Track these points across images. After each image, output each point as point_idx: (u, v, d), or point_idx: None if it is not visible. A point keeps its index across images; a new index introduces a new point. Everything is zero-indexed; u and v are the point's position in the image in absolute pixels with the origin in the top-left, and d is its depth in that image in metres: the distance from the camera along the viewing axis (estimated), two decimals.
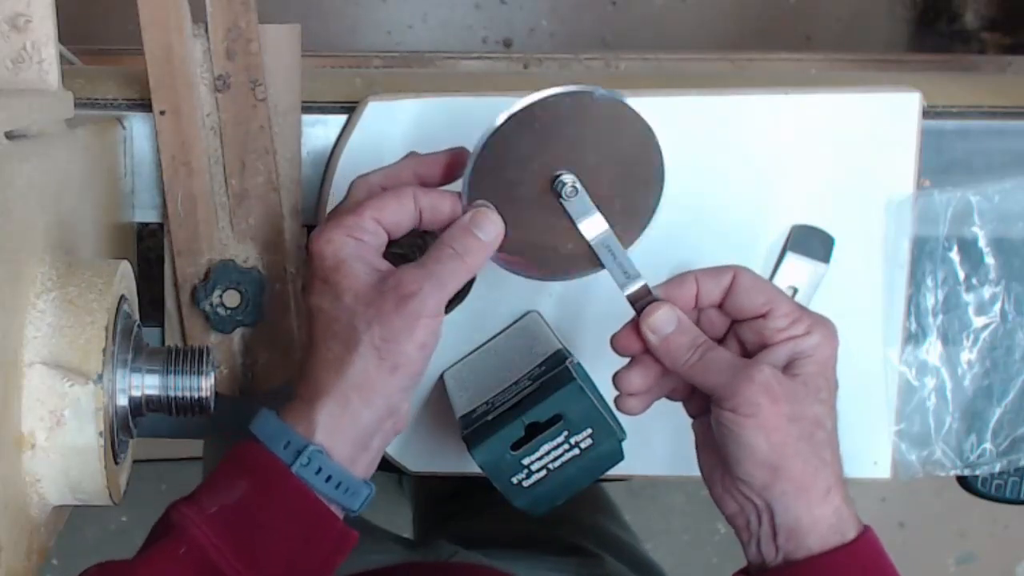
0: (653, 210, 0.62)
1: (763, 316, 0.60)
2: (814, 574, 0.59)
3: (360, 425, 0.58)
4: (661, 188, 0.62)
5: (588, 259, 0.62)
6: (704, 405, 0.63)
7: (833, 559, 0.59)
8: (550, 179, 0.60)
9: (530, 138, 0.59)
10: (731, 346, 0.62)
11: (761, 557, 0.61)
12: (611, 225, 0.61)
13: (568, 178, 0.60)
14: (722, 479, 0.61)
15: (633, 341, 0.61)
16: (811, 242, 0.71)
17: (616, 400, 0.63)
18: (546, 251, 0.62)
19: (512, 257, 0.61)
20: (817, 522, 0.59)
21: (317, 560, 0.58)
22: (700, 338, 0.60)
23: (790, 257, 0.71)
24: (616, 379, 0.62)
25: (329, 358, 0.58)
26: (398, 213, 0.59)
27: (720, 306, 0.62)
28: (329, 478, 0.57)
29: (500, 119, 0.58)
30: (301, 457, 0.57)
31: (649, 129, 0.60)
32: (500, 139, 0.59)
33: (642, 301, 0.61)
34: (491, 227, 0.59)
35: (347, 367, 0.58)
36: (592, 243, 0.61)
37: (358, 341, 0.57)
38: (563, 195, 0.60)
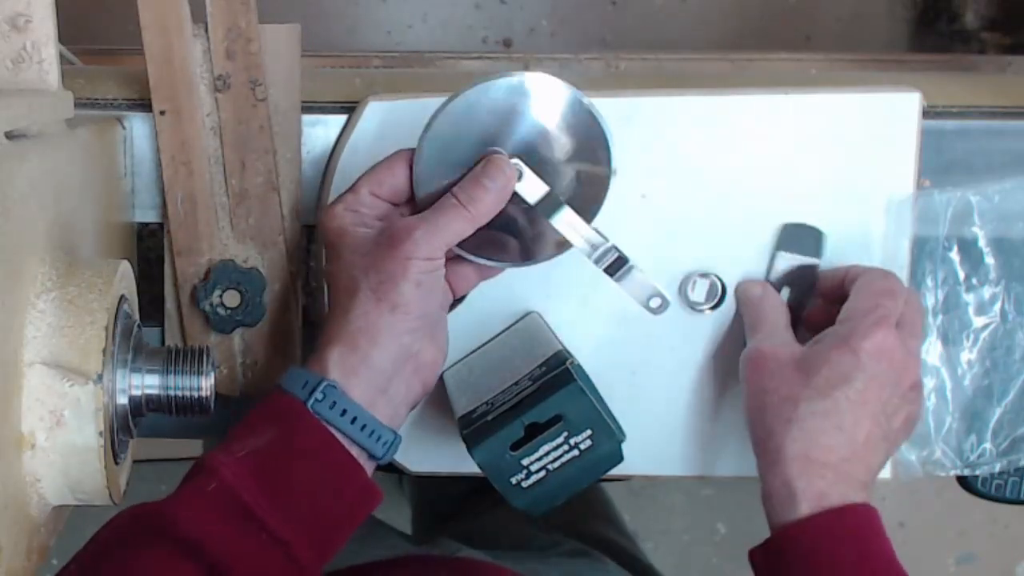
0: (607, 176, 0.63)
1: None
2: (813, 530, 0.62)
3: (373, 366, 0.60)
4: (608, 150, 0.63)
5: (554, 239, 0.64)
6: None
7: (828, 517, 0.61)
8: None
9: (466, 130, 0.62)
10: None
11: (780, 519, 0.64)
12: (568, 200, 0.63)
13: (516, 161, 0.62)
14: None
15: None
16: (801, 239, 0.71)
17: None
18: (509, 238, 0.64)
19: (477, 250, 0.64)
20: (770, 493, 0.63)
21: (342, 507, 0.59)
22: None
23: (781, 256, 0.71)
24: None
25: (336, 311, 0.62)
26: (392, 179, 0.63)
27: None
28: (344, 412, 0.59)
29: (428, 119, 0.62)
30: (316, 392, 0.59)
31: (580, 99, 0.62)
32: (435, 136, 0.62)
33: (615, 266, 0.63)
34: (499, 175, 0.61)
35: (349, 312, 0.61)
36: (551, 221, 0.62)
37: (357, 288, 0.61)
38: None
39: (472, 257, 0.64)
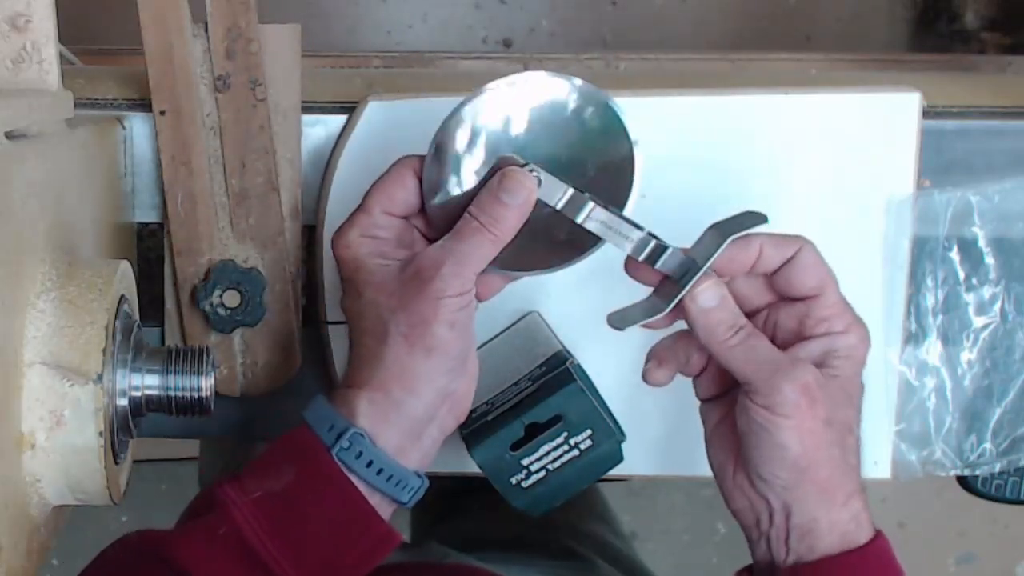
0: (630, 151, 0.60)
1: (809, 299, 0.58)
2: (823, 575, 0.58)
3: (407, 414, 0.58)
4: (623, 125, 0.60)
5: (584, 239, 0.60)
6: (716, 388, 0.62)
7: (844, 561, 0.58)
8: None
9: (476, 137, 0.59)
10: (758, 324, 0.60)
11: (770, 556, 0.60)
12: (595, 192, 0.59)
13: (530, 166, 0.59)
14: (735, 474, 0.60)
15: (649, 274, 0.59)
16: (739, 223, 0.62)
17: (644, 372, 0.62)
18: (538, 245, 0.60)
19: (506, 264, 0.60)
20: (834, 526, 0.58)
21: (355, 555, 0.58)
22: (742, 320, 0.58)
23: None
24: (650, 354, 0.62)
25: (364, 354, 0.59)
26: (404, 193, 0.59)
27: (771, 278, 0.60)
28: (370, 463, 0.57)
29: (438, 130, 0.59)
30: (342, 440, 0.56)
31: (602, 97, 0.60)
32: (445, 146, 0.59)
33: (657, 252, 0.59)
34: (519, 189, 0.57)
35: (381, 359, 0.57)
36: (579, 220, 0.59)
37: (386, 332, 0.57)
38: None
39: (503, 271, 0.60)
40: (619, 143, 0.60)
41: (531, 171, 0.58)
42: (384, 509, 0.58)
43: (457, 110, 0.59)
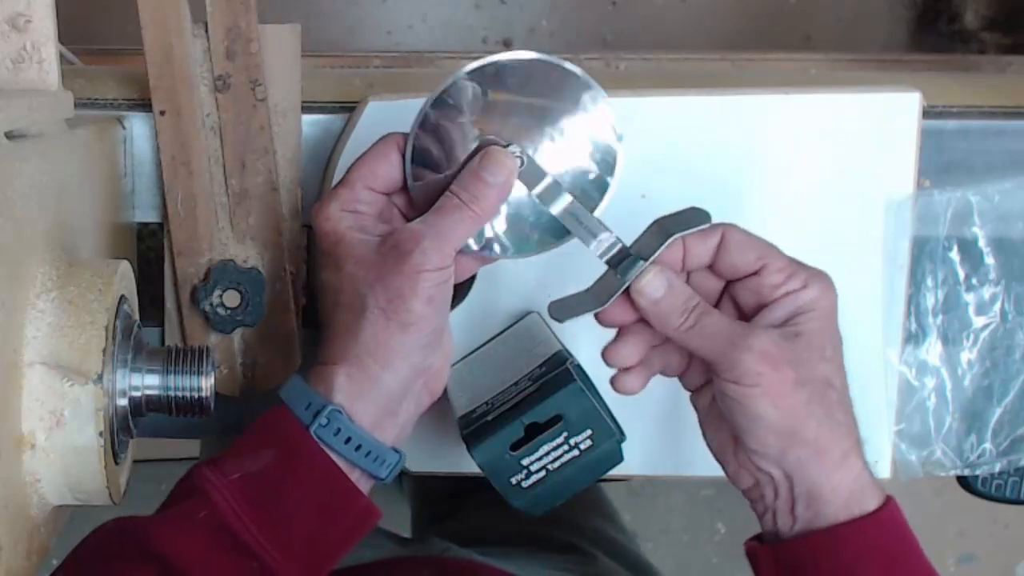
0: (614, 152, 0.61)
1: (757, 273, 0.58)
2: (836, 543, 0.58)
3: (383, 389, 0.58)
4: (616, 139, 0.60)
5: (552, 229, 0.61)
6: (702, 376, 0.62)
7: (856, 528, 0.57)
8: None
9: (459, 117, 0.59)
10: (727, 310, 0.61)
11: (776, 528, 0.60)
12: (572, 188, 0.60)
13: (515, 148, 0.59)
14: (735, 454, 0.60)
15: (622, 312, 0.60)
16: (684, 219, 0.62)
17: (612, 380, 0.62)
18: (513, 229, 0.61)
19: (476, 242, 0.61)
20: (837, 489, 0.58)
21: (338, 534, 0.58)
22: (693, 300, 0.58)
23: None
24: (606, 354, 0.61)
25: (339, 329, 0.59)
26: (388, 168, 0.60)
27: (712, 268, 0.60)
28: (349, 440, 0.57)
29: (421, 109, 0.59)
30: (320, 417, 0.56)
31: (588, 82, 0.59)
32: (429, 125, 0.59)
33: (617, 257, 0.59)
34: (500, 169, 0.58)
35: (358, 333, 0.57)
36: (552, 210, 0.60)
37: (364, 306, 0.57)
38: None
39: (478, 253, 0.61)
40: (604, 137, 0.60)
41: (514, 153, 0.59)
42: (363, 485, 0.59)
43: (442, 90, 0.59)
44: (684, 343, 0.58)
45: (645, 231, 0.60)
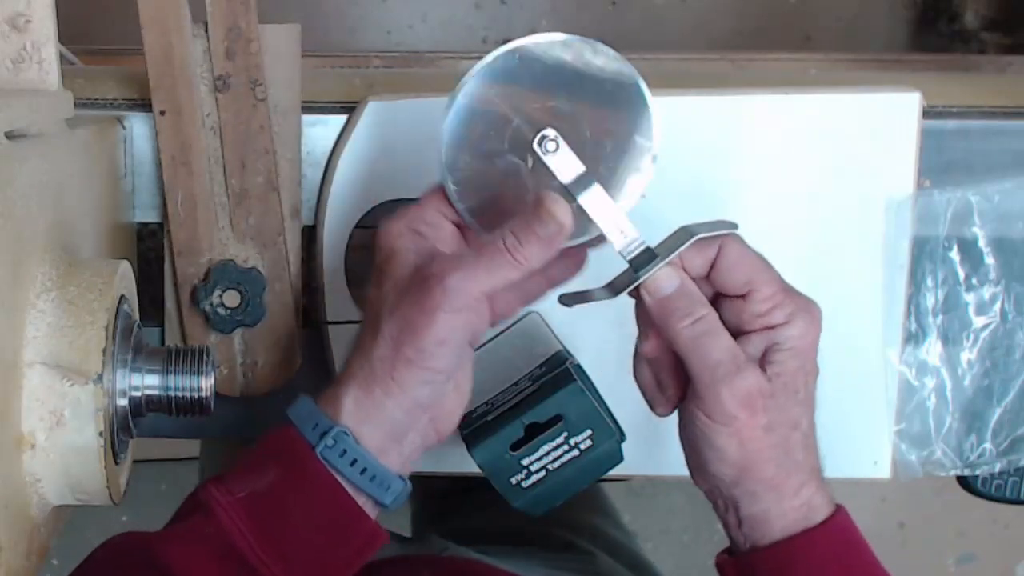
0: (647, 157, 0.58)
1: (743, 297, 0.57)
2: (779, 558, 0.58)
3: (387, 415, 0.56)
4: (650, 131, 0.58)
5: (579, 223, 0.57)
6: (678, 395, 0.60)
7: (801, 541, 0.58)
8: (529, 140, 0.57)
9: (502, 99, 0.56)
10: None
11: (732, 538, 0.61)
12: (601, 182, 0.57)
13: (550, 132, 0.56)
14: (693, 458, 0.60)
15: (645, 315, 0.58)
16: (710, 226, 0.60)
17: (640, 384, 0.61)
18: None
19: (489, 226, 0.57)
20: (786, 513, 0.58)
21: (344, 556, 0.57)
22: (703, 309, 0.56)
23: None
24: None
25: (359, 345, 0.58)
26: None
27: (708, 279, 0.58)
28: (355, 462, 0.56)
29: (461, 88, 0.56)
30: (326, 438, 0.56)
31: (633, 75, 0.58)
32: (469, 109, 0.56)
33: (641, 258, 0.57)
34: (551, 221, 0.54)
35: (370, 355, 0.56)
36: (581, 202, 0.57)
37: (379, 330, 0.56)
38: (544, 151, 0.56)
39: (478, 230, 0.58)
40: (639, 142, 0.58)
41: (555, 139, 0.56)
42: (369, 510, 0.58)
43: (458, 93, 0.57)
44: (677, 346, 0.57)
45: (670, 235, 0.58)
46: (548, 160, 0.56)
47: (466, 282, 0.54)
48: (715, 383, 0.55)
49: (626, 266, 0.58)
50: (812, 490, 0.58)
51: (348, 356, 0.59)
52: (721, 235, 0.57)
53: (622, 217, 0.57)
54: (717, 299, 0.59)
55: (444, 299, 0.54)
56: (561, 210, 0.55)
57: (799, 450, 0.58)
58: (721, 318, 0.57)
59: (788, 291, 0.57)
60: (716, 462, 0.57)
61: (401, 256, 0.56)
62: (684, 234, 0.58)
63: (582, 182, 0.57)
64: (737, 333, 0.57)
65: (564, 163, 0.57)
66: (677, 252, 0.57)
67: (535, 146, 0.57)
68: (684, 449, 0.61)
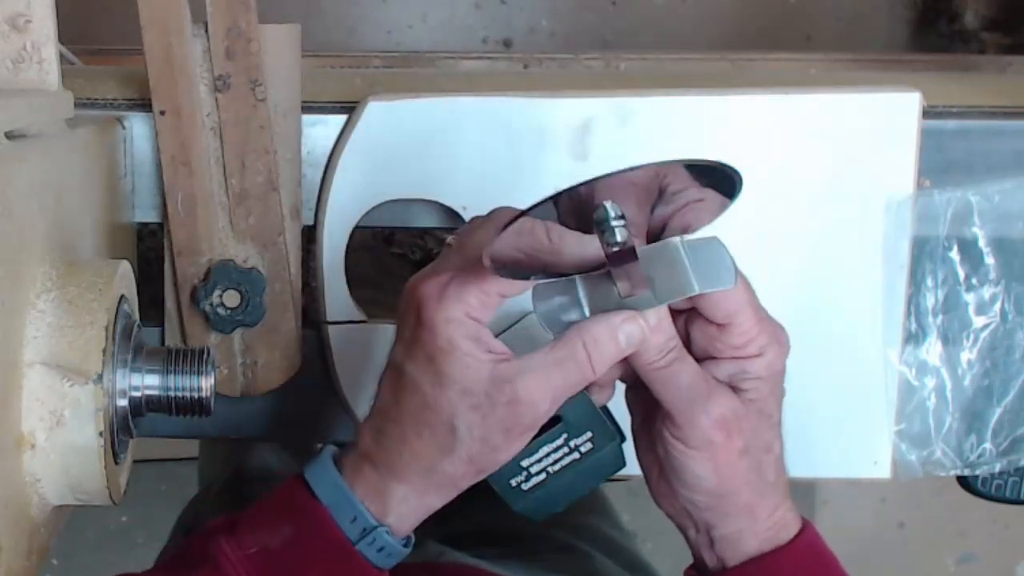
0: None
1: (719, 327, 0.55)
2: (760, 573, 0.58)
3: (430, 511, 0.57)
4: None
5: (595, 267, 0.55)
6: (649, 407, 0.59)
7: (772, 559, 0.58)
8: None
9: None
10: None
11: (702, 557, 0.61)
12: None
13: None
14: (659, 482, 0.60)
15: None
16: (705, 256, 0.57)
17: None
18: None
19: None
20: (758, 533, 0.58)
21: None
22: (673, 340, 0.55)
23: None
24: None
25: (419, 450, 0.55)
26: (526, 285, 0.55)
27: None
28: (382, 549, 0.56)
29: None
30: (367, 537, 0.55)
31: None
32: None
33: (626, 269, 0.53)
34: (636, 334, 0.54)
35: (436, 467, 0.55)
36: (635, 305, 0.54)
37: (454, 448, 0.54)
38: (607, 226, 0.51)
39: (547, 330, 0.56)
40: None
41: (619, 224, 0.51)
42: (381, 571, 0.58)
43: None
44: (650, 382, 0.55)
45: (655, 245, 0.55)
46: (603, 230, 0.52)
47: (554, 401, 0.54)
48: (688, 407, 0.55)
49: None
50: (784, 510, 0.59)
51: (390, 444, 0.56)
52: (717, 292, 0.55)
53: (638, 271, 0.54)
54: (686, 313, 0.57)
55: (535, 422, 0.55)
56: (643, 325, 0.54)
57: (772, 472, 0.58)
58: (690, 333, 0.57)
59: (763, 321, 0.56)
60: (691, 489, 0.57)
61: (462, 355, 0.53)
62: (670, 253, 0.55)
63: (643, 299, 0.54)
64: (705, 357, 0.56)
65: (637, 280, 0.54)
66: (671, 301, 0.55)
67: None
68: (647, 474, 0.61)
